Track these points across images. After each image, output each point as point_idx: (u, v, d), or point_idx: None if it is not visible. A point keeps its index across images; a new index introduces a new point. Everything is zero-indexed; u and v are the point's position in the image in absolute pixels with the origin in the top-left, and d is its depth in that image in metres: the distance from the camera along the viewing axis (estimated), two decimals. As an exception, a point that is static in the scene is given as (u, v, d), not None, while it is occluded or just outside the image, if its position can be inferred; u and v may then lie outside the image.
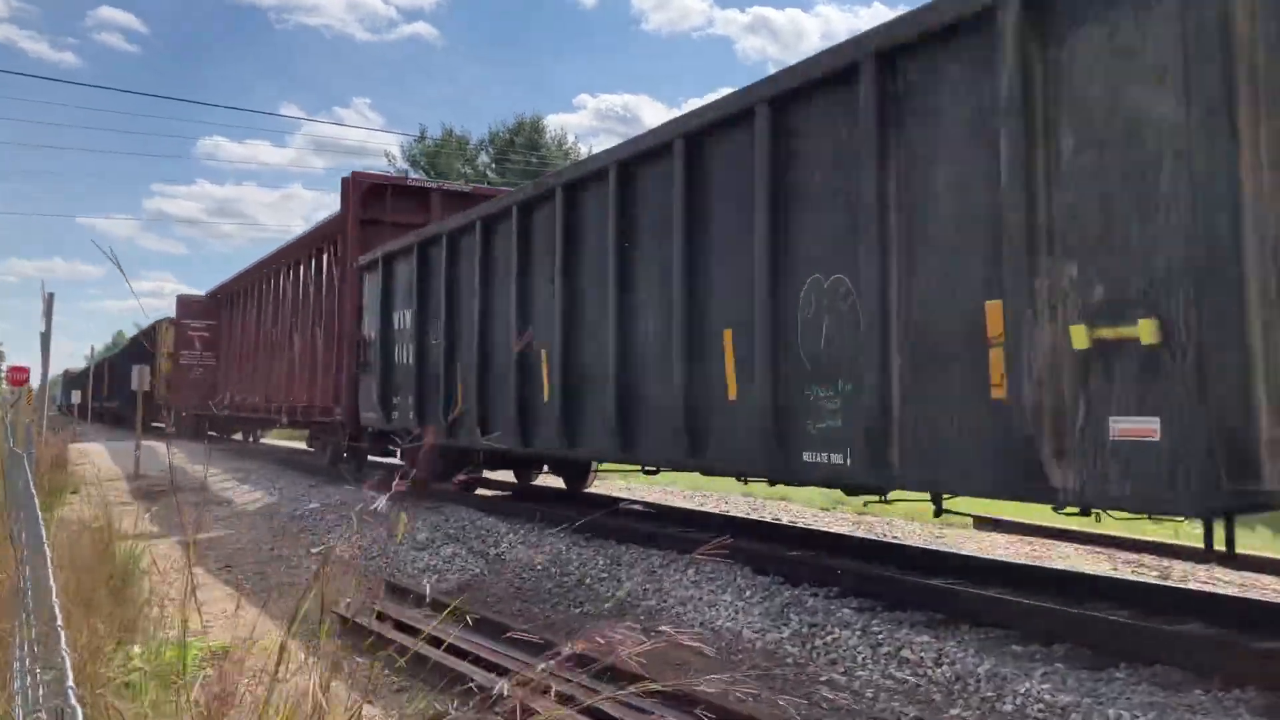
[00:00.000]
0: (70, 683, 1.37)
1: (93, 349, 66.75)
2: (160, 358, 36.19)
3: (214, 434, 31.80)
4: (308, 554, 9.77)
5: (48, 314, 21.56)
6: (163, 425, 37.41)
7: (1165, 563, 8.37)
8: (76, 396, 56.15)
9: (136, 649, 5.03)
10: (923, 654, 5.30)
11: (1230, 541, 4.92)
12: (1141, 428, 4.14)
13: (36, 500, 5.07)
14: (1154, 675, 4.78)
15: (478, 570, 8.63)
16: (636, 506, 11.70)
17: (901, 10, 6.02)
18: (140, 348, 41.49)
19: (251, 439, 31.65)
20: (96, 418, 53.74)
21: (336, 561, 9.49)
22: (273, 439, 32.77)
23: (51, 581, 2.18)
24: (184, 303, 32.52)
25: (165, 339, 35.84)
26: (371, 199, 15.99)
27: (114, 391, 46.40)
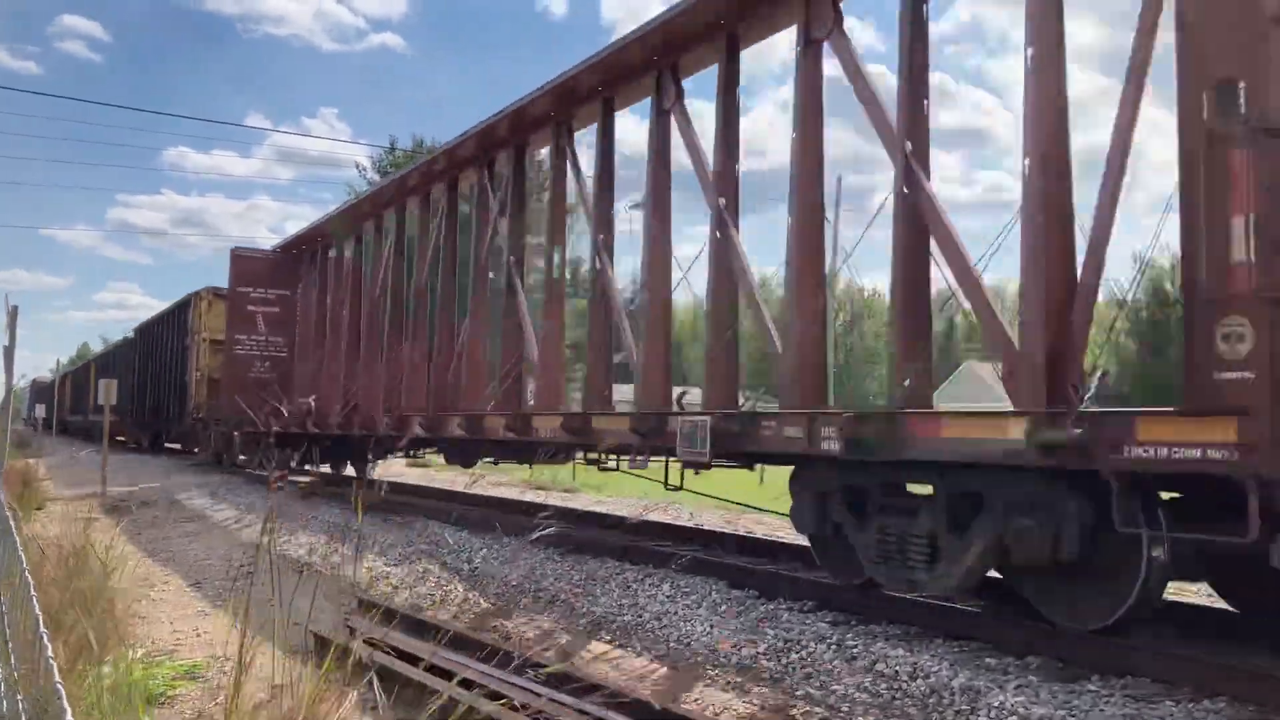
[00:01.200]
0: (69, 718, 1.35)
1: (58, 361, 62.55)
2: (196, 348, 24.51)
3: (296, 468, 18.12)
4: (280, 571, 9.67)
5: (12, 326, 21.21)
6: (193, 450, 25.88)
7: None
8: (41, 410, 48.49)
9: (107, 668, 4.97)
10: (898, 667, 5.33)
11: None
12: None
13: (15, 526, 5.00)
14: (1125, 686, 4.82)
15: (451, 586, 8.58)
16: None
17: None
18: (155, 339, 30.08)
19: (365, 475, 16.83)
20: (82, 436, 40.80)
21: (309, 578, 9.41)
22: (405, 471, 20.88)
23: (38, 611, 2.15)
24: (242, 263, 20.45)
25: (206, 319, 24.11)
26: None
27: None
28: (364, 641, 6.14)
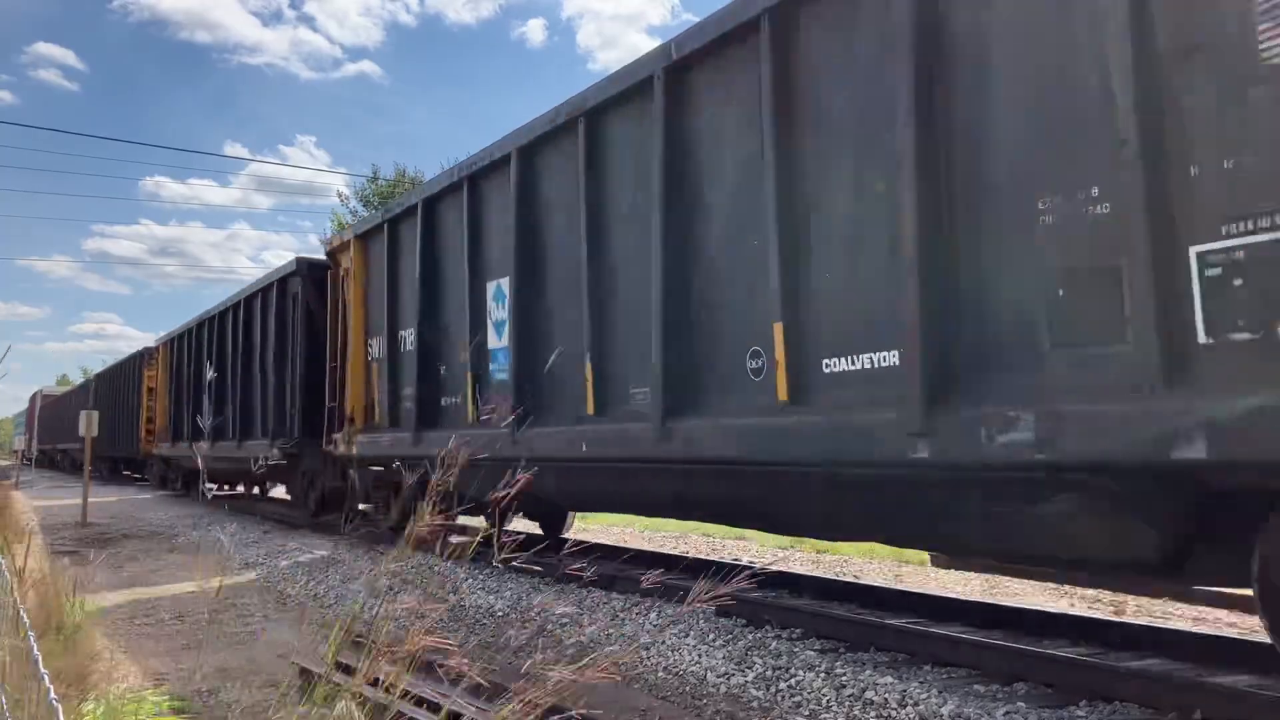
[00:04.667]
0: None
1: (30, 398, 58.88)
2: None
3: None
4: (263, 603, 9.62)
5: (-8, 362, 20.89)
6: None
7: (1120, 598, 8.50)
8: (17, 442, 44.90)
9: (90, 704, 4.92)
10: (887, 695, 5.33)
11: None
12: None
13: (11, 575, 4.95)
14: (1114, 712, 4.85)
15: (437, 617, 8.53)
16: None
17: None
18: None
19: None
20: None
21: (294, 609, 9.36)
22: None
23: (37, 651, 2.14)
24: None
25: None
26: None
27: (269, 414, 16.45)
28: (341, 670, 6.11)
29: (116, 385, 33.81)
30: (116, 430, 32.50)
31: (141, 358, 28.93)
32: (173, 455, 24.55)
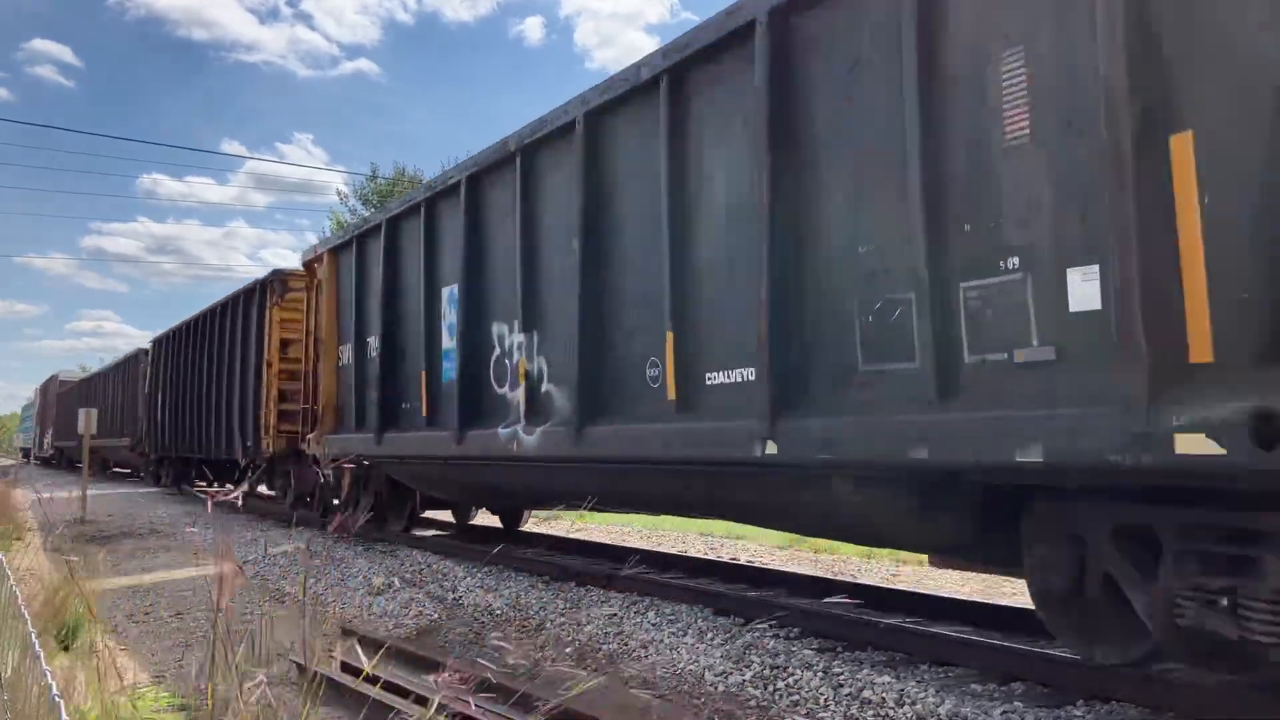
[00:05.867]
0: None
1: (35, 391, 57.44)
2: None
3: None
4: (262, 600, 9.62)
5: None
6: None
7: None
8: (22, 439, 40.61)
9: (90, 702, 4.92)
10: (884, 694, 5.34)
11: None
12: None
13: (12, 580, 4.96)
14: (1111, 712, 4.86)
15: (435, 615, 8.55)
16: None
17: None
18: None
19: None
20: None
21: (292, 606, 9.37)
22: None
23: (39, 650, 2.15)
24: None
25: None
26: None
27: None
28: (343, 669, 6.12)
29: (198, 348, 21.03)
30: (198, 420, 20.63)
31: (261, 292, 17.00)
32: (372, 455, 11.68)
